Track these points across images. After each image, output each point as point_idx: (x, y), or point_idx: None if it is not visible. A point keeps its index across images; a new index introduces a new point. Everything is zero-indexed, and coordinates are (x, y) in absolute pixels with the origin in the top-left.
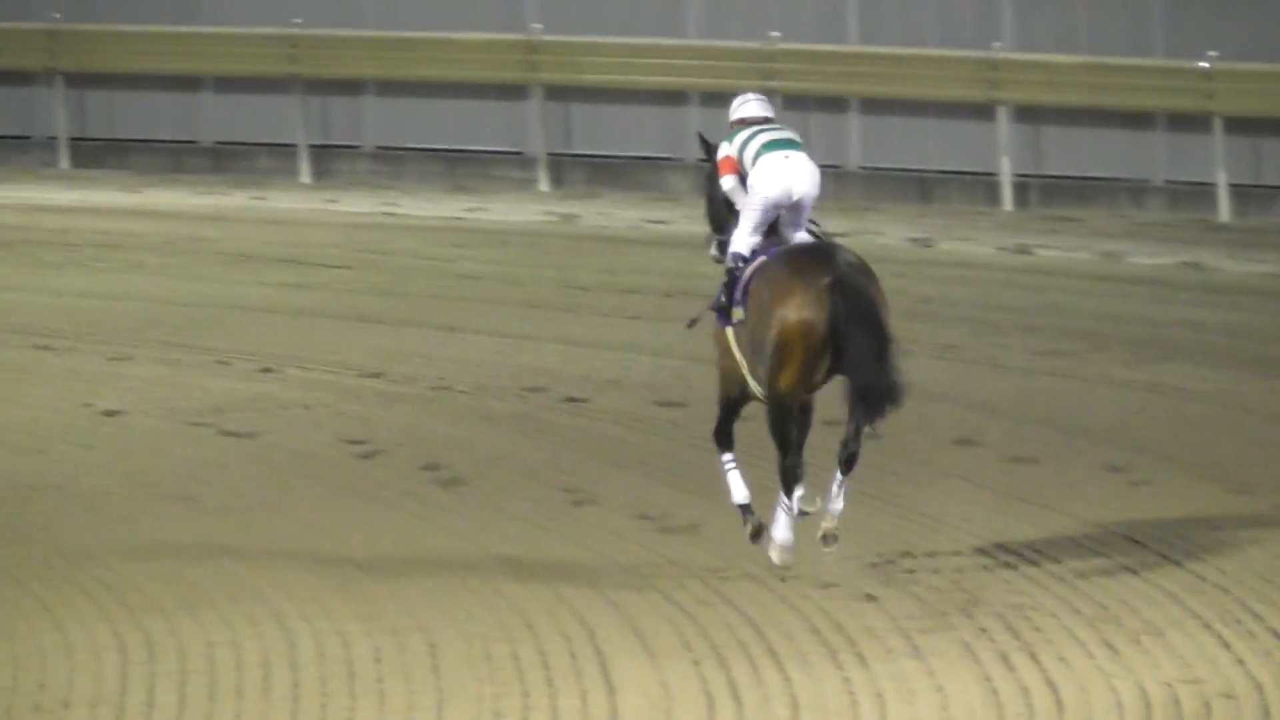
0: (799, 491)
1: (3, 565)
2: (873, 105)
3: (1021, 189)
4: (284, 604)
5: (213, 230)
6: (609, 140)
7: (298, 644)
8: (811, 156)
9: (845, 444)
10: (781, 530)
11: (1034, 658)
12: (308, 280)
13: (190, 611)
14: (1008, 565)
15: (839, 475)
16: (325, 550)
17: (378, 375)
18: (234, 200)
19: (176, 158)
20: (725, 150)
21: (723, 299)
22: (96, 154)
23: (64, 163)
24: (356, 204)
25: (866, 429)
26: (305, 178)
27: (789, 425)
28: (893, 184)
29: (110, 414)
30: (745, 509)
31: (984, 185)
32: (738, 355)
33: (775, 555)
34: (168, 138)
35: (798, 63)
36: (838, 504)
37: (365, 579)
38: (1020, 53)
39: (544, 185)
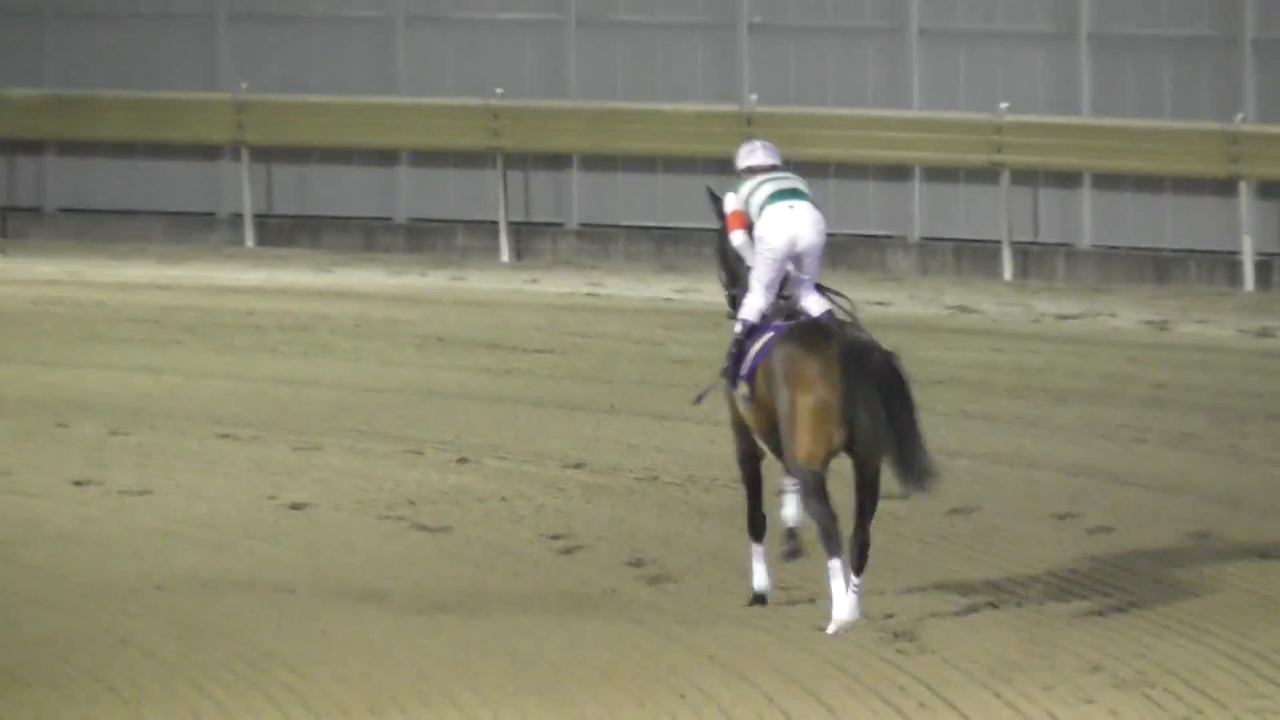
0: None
1: (182, 668)
2: (1106, 180)
3: (1264, 268)
4: (479, 708)
5: (408, 312)
6: (828, 217)
7: None
8: (817, 205)
9: (855, 534)
10: (844, 609)
11: None
12: (508, 365)
13: (379, 716)
14: (1249, 667)
15: (853, 578)
16: (523, 651)
17: (580, 466)
18: (430, 280)
19: (370, 235)
20: (732, 203)
21: (727, 367)
22: (285, 232)
23: (250, 241)
24: (560, 284)
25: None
26: (505, 257)
27: (823, 498)
28: (1127, 263)
29: (297, 507)
30: (760, 598)
31: (1224, 264)
32: (747, 419)
33: (840, 620)
34: (361, 214)
35: (1027, 136)
36: (850, 612)
37: (566, 682)
38: (1263, 125)
39: None
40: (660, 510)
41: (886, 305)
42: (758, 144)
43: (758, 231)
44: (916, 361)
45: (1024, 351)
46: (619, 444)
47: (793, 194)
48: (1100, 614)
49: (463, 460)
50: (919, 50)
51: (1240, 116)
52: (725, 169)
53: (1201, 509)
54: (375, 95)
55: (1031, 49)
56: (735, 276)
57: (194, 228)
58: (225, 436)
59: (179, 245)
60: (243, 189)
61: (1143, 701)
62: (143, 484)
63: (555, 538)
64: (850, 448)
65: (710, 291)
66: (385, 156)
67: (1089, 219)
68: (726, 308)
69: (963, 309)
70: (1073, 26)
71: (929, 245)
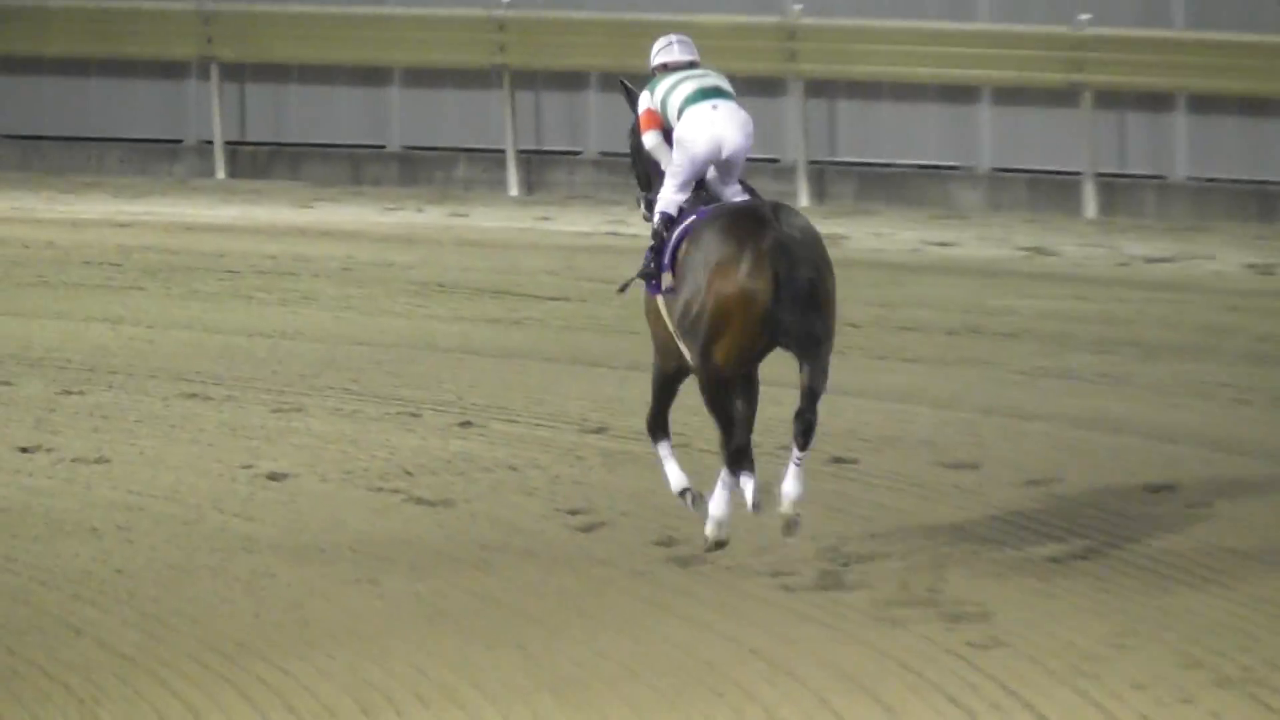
0: (751, 483)
1: (144, 661)
2: (1203, 103)
3: None
4: (486, 708)
5: (402, 254)
6: (883, 145)
7: None
8: (742, 105)
9: (800, 414)
10: (718, 505)
11: None
12: (516, 314)
13: (371, 716)
14: None
15: (795, 451)
16: (536, 642)
17: (601, 430)
18: (428, 218)
19: (358, 166)
20: (645, 102)
21: (650, 264)
22: (260, 162)
23: (221, 172)
24: (576, 222)
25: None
26: (514, 190)
27: (727, 401)
28: (1227, 198)
29: (275, 477)
30: (685, 492)
31: None
32: (671, 325)
33: (710, 530)
34: (347, 142)
35: (1113, 52)
36: (794, 486)
37: (586, 678)
38: None
39: (805, 199)
40: (693, 481)
41: (950, 246)
42: (673, 38)
43: (678, 134)
44: (986, 311)
45: (1109, 300)
46: (645, 405)
47: (715, 93)
48: (1199, 602)
49: (466, 424)
50: None
51: None
52: (767, 89)
53: None
54: (364, 4)
55: None
56: (650, 181)
57: (157, 157)
58: (193, 396)
59: (139, 177)
60: (212, 113)
61: (1248, 702)
62: (99, 451)
63: (573, 513)
64: (779, 344)
65: None
66: (375, 76)
67: (1183, 148)
68: (642, 211)
69: (1039, 251)
70: None
71: (999, 178)
